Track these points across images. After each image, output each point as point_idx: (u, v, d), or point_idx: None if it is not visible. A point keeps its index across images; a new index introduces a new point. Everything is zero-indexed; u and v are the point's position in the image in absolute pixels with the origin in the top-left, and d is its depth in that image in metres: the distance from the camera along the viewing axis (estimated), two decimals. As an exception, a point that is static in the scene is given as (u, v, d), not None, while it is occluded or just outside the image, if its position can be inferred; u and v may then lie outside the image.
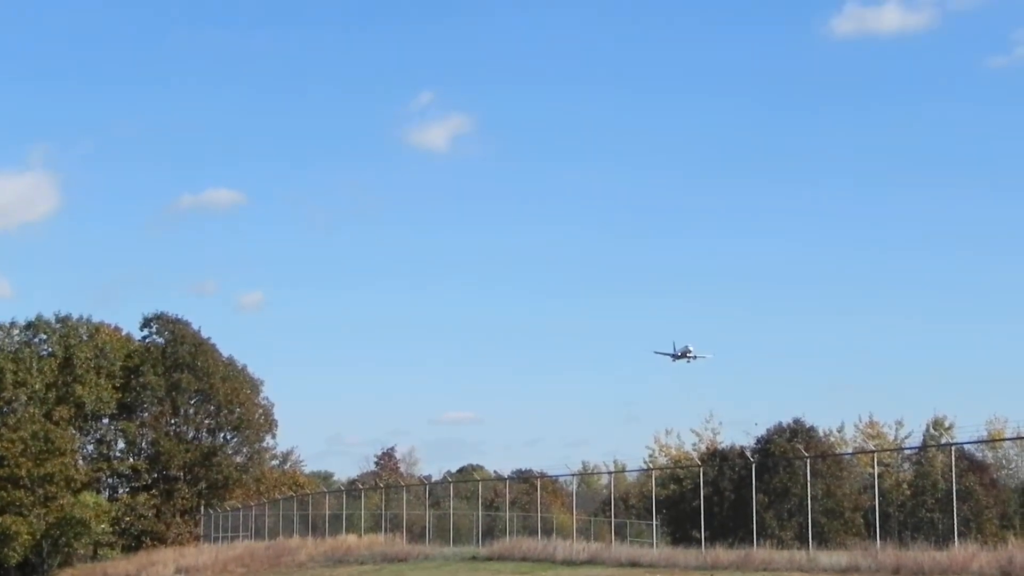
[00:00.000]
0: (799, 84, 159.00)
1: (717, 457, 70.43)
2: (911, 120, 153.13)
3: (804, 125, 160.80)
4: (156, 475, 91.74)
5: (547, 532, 62.30)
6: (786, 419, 69.00)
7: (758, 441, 68.66)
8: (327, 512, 76.58)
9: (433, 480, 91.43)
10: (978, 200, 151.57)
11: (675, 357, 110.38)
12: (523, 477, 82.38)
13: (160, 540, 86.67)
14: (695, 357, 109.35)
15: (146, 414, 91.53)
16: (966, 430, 75.63)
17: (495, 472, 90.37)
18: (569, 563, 49.09)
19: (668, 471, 72.54)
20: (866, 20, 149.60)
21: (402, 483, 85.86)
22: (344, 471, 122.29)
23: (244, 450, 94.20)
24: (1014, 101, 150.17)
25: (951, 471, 46.15)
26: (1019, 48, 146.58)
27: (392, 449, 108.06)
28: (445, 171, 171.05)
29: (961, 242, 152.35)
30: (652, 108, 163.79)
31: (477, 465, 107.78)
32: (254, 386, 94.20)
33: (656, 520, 64.00)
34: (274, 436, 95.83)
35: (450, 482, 74.63)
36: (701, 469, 61.46)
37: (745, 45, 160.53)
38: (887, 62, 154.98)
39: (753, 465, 56.54)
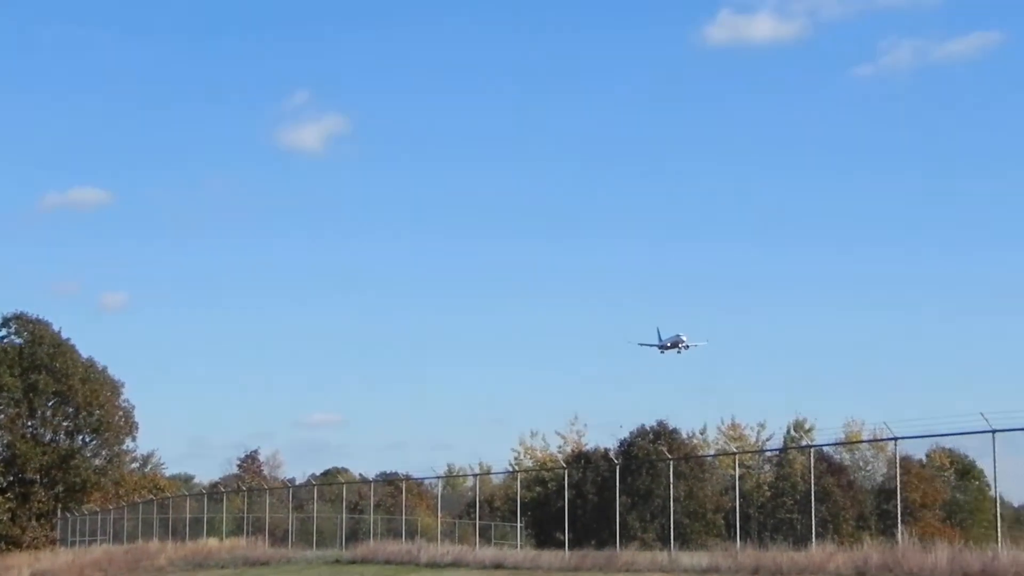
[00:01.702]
0: (674, 90, 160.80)
1: (582, 459, 70.76)
2: (781, 126, 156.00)
3: (678, 129, 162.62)
4: (12, 478, 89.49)
5: (412, 535, 62.07)
6: (650, 421, 69.66)
7: (622, 443, 69.13)
8: (188, 516, 75.38)
9: (297, 483, 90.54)
10: (842, 200, 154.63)
11: (663, 348, 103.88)
12: (388, 480, 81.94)
13: (15, 544, 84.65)
14: (687, 347, 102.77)
15: (1, 416, 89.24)
16: (825, 433, 77.31)
17: (360, 475, 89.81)
18: (433, 565, 48.98)
19: (533, 473, 72.71)
20: (739, 28, 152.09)
21: (265, 486, 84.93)
22: (206, 474, 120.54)
23: (103, 453, 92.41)
24: (878, 109, 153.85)
25: (810, 473, 46.89)
26: (885, 57, 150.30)
27: (255, 452, 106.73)
28: (318, 172, 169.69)
29: (826, 243, 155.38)
30: (529, 112, 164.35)
31: (342, 468, 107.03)
32: (114, 388, 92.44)
33: (521, 522, 64.13)
34: (134, 439, 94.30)
35: (314, 485, 74.02)
36: (566, 471, 61.70)
37: (620, 50, 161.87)
38: (759, 70, 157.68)
39: (617, 467, 56.91)
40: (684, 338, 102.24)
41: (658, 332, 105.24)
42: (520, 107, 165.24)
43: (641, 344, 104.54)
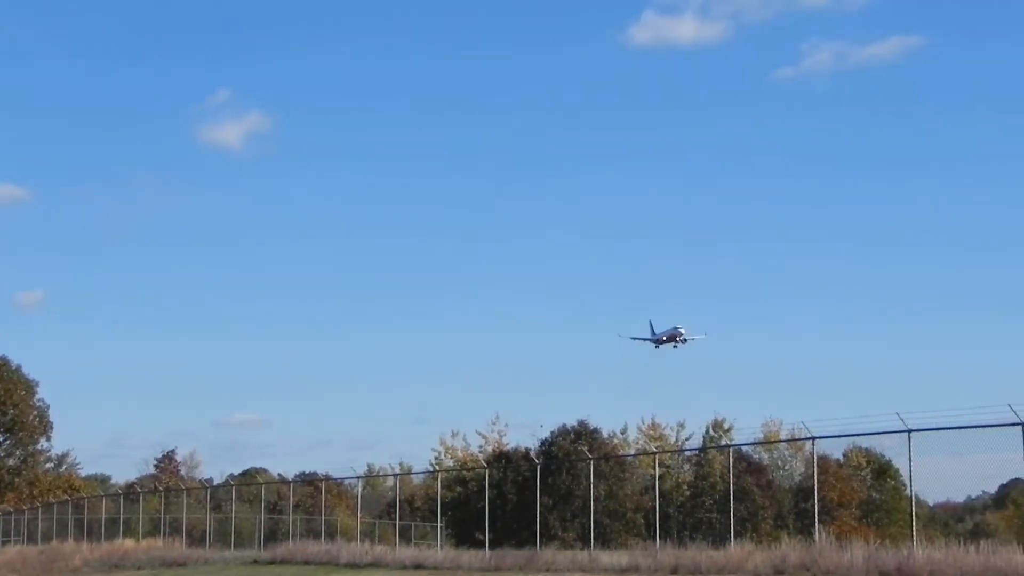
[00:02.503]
0: (598, 91, 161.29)
1: (502, 459, 70.69)
2: (704, 128, 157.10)
3: (602, 130, 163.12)
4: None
5: (331, 535, 61.83)
6: (571, 421, 69.74)
7: (543, 443, 69.15)
8: (104, 516, 74.46)
9: (214, 483, 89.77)
10: (760, 203, 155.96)
11: (658, 342, 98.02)
12: (307, 480, 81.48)
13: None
14: (684, 340, 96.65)
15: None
16: (744, 432, 77.84)
17: (279, 475, 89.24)
18: (353, 566, 48.76)
19: (454, 473, 72.56)
20: (664, 29, 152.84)
21: (182, 486, 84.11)
22: (123, 474, 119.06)
23: (17, 452, 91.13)
24: (800, 110, 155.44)
25: (729, 472, 47.20)
26: (806, 60, 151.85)
27: (172, 452, 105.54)
28: (240, 170, 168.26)
29: (747, 246, 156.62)
30: (451, 118, 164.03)
31: (260, 468, 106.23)
32: (29, 387, 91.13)
33: (441, 522, 64.00)
34: (49, 438, 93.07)
35: (232, 485, 73.41)
36: (486, 471, 61.65)
37: (544, 52, 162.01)
38: (684, 72, 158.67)
39: (538, 467, 56.95)
40: (682, 331, 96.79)
41: (651, 325, 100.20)
42: (437, 114, 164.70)
43: (634, 338, 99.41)
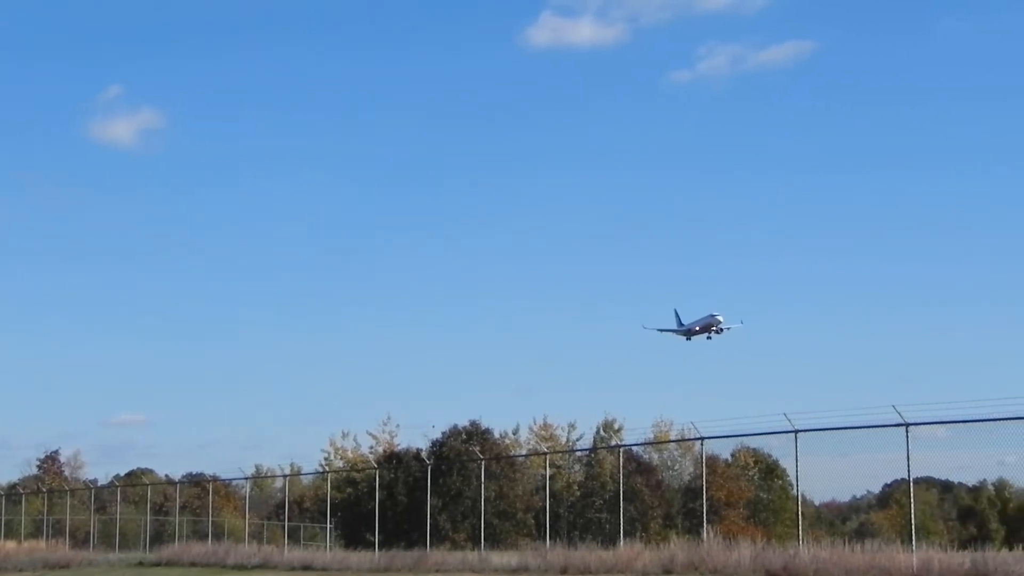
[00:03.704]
0: (496, 92, 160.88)
1: (393, 460, 70.42)
2: (599, 129, 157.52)
3: (500, 132, 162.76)
4: None
5: (219, 536, 61.22)
6: (463, 421, 69.64)
7: (434, 444, 68.99)
8: (-16, 518, 72.99)
9: (99, 484, 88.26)
10: (652, 203, 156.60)
11: (689, 333, 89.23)
12: (194, 481, 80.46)
13: None
14: (721, 330, 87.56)
15: None
16: (634, 433, 78.33)
17: (165, 476, 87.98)
18: (240, 567, 48.36)
19: (344, 474, 72.11)
20: (562, 31, 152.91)
21: (66, 487, 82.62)
22: (4, 475, 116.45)
23: None
24: (694, 113, 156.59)
25: (619, 472, 47.43)
26: (702, 63, 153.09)
27: (56, 452, 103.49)
28: (131, 167, 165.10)
29: (635, 245, 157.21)
30: (342, 120, 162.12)
31: (146, 469, 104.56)
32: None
33: (330, 523, 63.58)
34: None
35: (117, 486, 72.27)
36: (377, 472, 61.38)
37: (440, 52, 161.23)
38: (581, 74, 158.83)
39: (428, 467, 56.77)
40: (720, 318, 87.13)
41: (676, 315, 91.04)
42: (332, 118, 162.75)
43: (662, 330, 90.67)
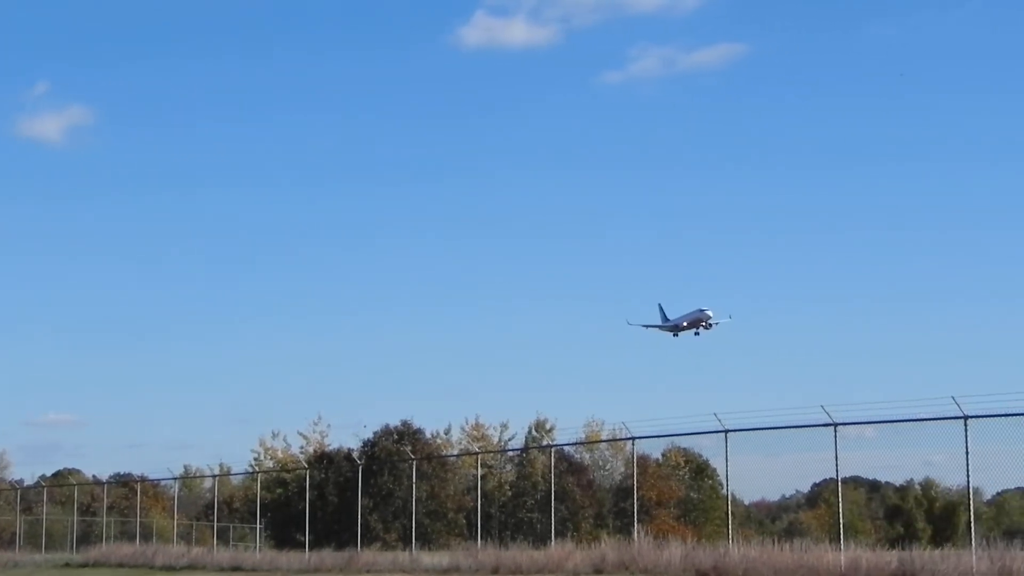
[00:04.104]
0: (428, 94, 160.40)
1: (324, 460, 70.07)
2: (531, 131, 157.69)
3: (433, 134, 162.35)
4: None
5: (147, 537, 60.81)
6: (395, 421, 69.39)
7: (366, 443, 68.71)
8: (-93, 520, 71.88)
9: (25, 484, 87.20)
10: (580, 204, 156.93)
11: (676, 329, 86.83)
12: (122, 481, 79.70)
13: None
14: (710, 326, 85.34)
15: None
16: (566, 432, 78.46)
17: (93, 476, 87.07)
18: (169, 568, 48.06)
19: (274, 474, 71.69)
20: (495, 31, 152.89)
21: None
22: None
23: None
24: (625, 114, 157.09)
25: (551, 472, 47.50)
26: (633, 65, 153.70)
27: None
28: (60, 164, 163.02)
29: (567, 244, 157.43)
30: (274, 122, 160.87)
31: (73, 469, 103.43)
32: None
33: (260, 524, 63.22)
34: None
35: (43, 486, 71.44)
36: (307, 472, 61.06)
37: (371, 52, 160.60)
38: (514, 75, 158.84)
39: (360, 467, 56.55)
40: (710, 314, 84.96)
41: (661, 310, 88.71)
42: (267, 116, 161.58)
43: (647, 327, 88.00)
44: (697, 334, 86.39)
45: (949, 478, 63.40)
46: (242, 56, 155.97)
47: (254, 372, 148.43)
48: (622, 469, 69.86)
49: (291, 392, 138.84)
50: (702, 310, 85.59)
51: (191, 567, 47.65)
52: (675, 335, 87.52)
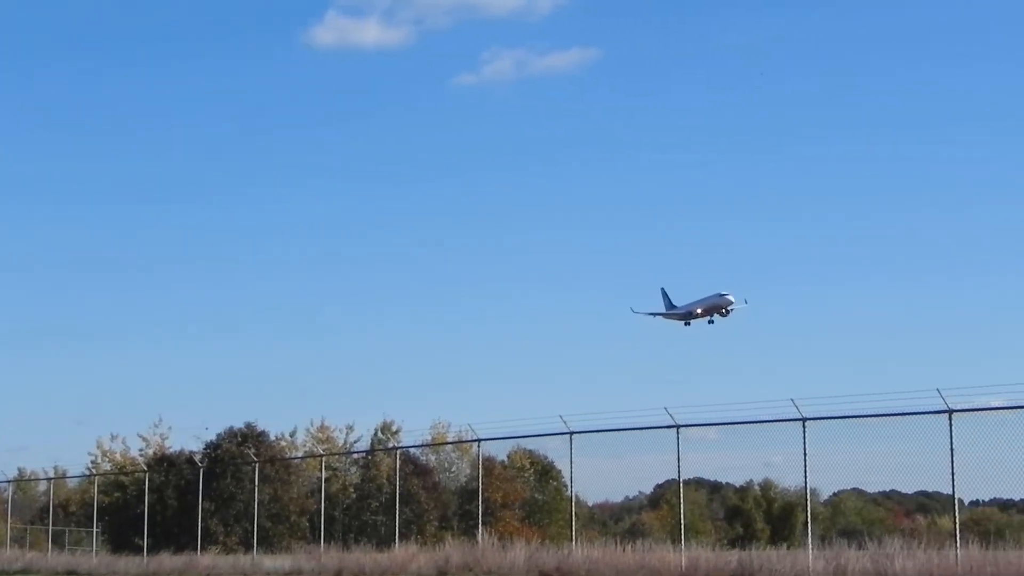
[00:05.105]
0: (278, 94, 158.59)
1: (164, 463, 68.81)
2: (383, 133, 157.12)
3: (282, 136, 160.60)
4: None
5: (-22, 542, 59.08)
6: (238, 423, 68.44)
7: (208, 446, 67.64)
8: None
9: None
10: (432, 207, 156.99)
11: (690, 317, 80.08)
12: (-48, 484, 77.39)
13: None
14: (728, 312, 78.06)
15: None
16: (412, 434, 78.07)
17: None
18: (2, 572, 46.92)
19: (112, 477, 70.22)
20: (347, 32, 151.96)
21: None
22: None
23: None
24: (479, 116, 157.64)
25: (396, 474, 47.32)
26: (487, 67, 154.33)
27: None
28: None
29: (407, 243, 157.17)
30: (124, 135, 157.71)
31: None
32: None
33: (97, 527, 61.88)
34: None
35: None
36: (147, 475, 59.93)
37: (224, 53, 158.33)
38: (367, 76, 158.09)
39: (201, 470, 55.68)
40: (731, 299, 77.40)
41: (666, 295, 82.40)
42: (122, 130, 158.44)
43: (653, 314, 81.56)
44: (711, 322, 79.77)
45: (788, 479, 64.66)
46: (70, 71, 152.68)
47: (93, 373, 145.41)
48: (468, 471, 69.84)
49: (131, 394, 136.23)
50: (722, 295, 78.63)
51: (25, 571, 46.62)
52: (687, 324, 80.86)
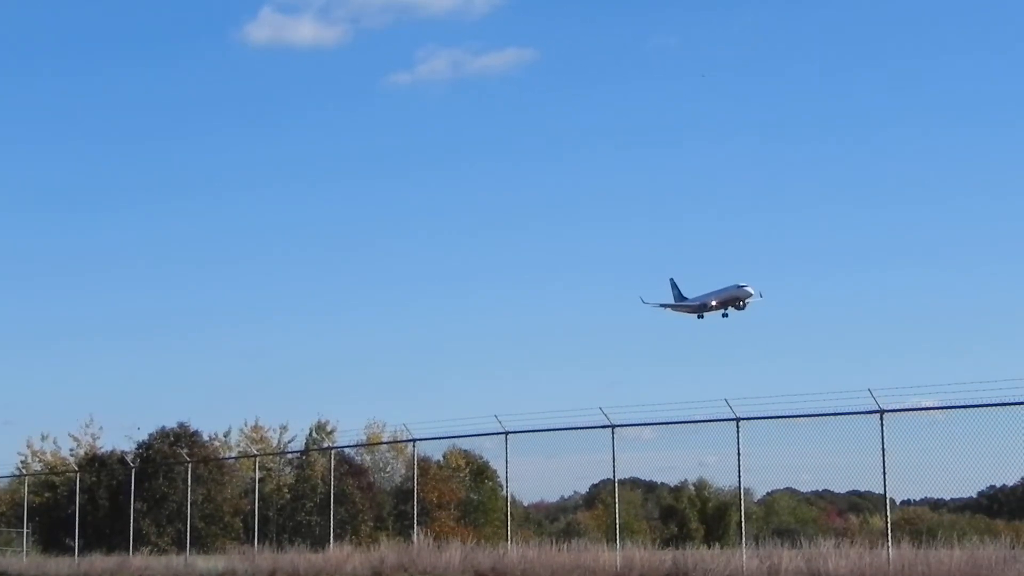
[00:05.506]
0: (209, 92, 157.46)
1: (96, 463, 68.16)
2: (319, 133, 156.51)
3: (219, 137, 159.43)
4: None
5: (-96, 544, 58.20)
6: (171, 423, 67.90)
7: (140, 446, 67.11)
8: None
9: None
10: (376, 205, 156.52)
11: (704, 309, 76.38)
12: None
13: None
14: (745, 305, 74.64)
15: None
16: (347, 435, 77.75)
17: None
18: (-72, 576, 46.13)
19: (42, 477, 69.46)
20: (282, 29, 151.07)
21: None
22: None
23: None
24: (414, 115, 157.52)
25: (330, 475, 47.12)
26: (422, 66, 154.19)
27: None
28: None
29: (347, 250, 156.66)
30: (53, 142, 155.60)
31: None
32: None
33: (27, 528, 61.20)
34: None
35: None
36: (78, 475, 59.34)
37: (151, 48, 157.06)
38: (302, 74, 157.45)
39: (133, 471, 55.20)
40: (750, 291, 73.95)
41: (675, 286, 78.90)
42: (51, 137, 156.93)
43: (664, 306, 78.03)
44: (725, 315, 76.25)
45: (722, 479, 65.02)
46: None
47: (20, 372, 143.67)
48: (403, 471, 69.64)
49: (61, 393, 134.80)
50: (740, 286, 75.18)
51: (-48, 574, 45.84)
52: (700, 316, 77.54)
